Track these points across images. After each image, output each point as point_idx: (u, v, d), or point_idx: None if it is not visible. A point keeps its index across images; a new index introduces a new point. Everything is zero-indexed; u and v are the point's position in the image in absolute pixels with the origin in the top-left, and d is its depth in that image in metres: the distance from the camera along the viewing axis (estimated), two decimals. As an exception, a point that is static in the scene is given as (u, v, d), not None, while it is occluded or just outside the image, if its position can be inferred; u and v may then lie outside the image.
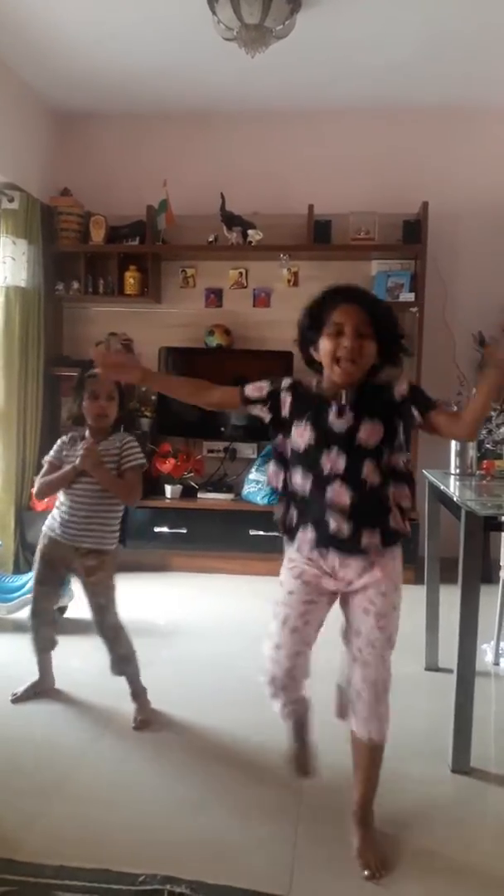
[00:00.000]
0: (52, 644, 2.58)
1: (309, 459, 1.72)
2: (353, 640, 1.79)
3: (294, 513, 1.80)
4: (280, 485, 1.81)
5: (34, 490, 2.48)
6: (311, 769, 1.95)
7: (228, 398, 1.85)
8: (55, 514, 2.43)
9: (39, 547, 2.48)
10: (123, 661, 2.43)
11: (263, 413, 1.78)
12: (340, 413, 1.69)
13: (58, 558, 2.44)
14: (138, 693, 2.47)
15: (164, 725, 2.39)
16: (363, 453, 1.69)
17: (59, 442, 2.48)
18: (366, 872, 1.69)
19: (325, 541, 1.75)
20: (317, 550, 1.78)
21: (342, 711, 1.84)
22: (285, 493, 1.81)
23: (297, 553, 1.82)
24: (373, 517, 1.73)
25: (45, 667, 2.60)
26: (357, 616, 1.78)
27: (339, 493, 1.70)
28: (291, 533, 1.82)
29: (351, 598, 1.80)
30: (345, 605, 1.83)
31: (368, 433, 1.67)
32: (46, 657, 2.60)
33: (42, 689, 2.59)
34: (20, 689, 2.56)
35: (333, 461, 1.69)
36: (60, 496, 2.42)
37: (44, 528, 2.47)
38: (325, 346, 1.69)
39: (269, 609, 1.85)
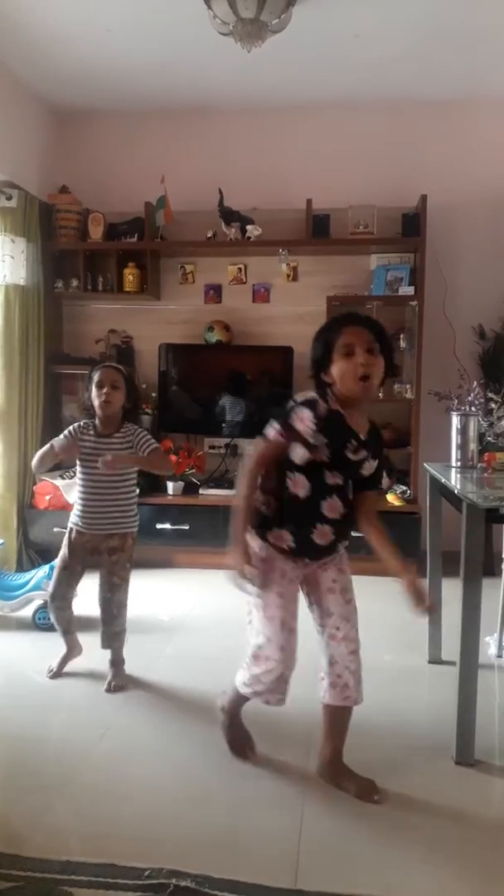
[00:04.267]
0: (72, 623, 2.72)
1: (313, 471, 1.85)
2: (326, 622, 1.97)
3: (276, 508, 1.91)
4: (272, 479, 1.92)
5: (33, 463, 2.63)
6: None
7: (273, 451, 1.88)
8: (77, 508, 2.63)
9: (65, 538, 2.66)
10: (116, 637, 2.63)
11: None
12: (357, 450, 1.87)
13: (80, 546, 2.62)
14: (118, 662, 2.65)
15: (137, 686, 2.62)
16: (358, 481, 1.92)
17: (72, 427, 2.62)
18: (376, 797, 1.93)
19: (305, 547, 1.90)
20: (293, 556, 1.91)
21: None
22: (274, 488, 1.91)
23: (267, 547, 1.92)
24: (350, 529, 1.96)
25: (71, 641, 2.74)
26: (325, 598, 1.97)
27: (332, 506, 1.87)
28: (266, 524, 1.92)
29: (318, 582, 1.99)
30: (312, 591, 2.00)
31: (369, 469, 1.92)
32: (70, 634, 2.74)
33: (72, 658, 2.74)
34: (53, 664, 2.71)
35: (334, 478, 1.87)
36: (80, 491, 2.61)
37: (69, 524, 2.67)
38: (340, 366, 1.81)
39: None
